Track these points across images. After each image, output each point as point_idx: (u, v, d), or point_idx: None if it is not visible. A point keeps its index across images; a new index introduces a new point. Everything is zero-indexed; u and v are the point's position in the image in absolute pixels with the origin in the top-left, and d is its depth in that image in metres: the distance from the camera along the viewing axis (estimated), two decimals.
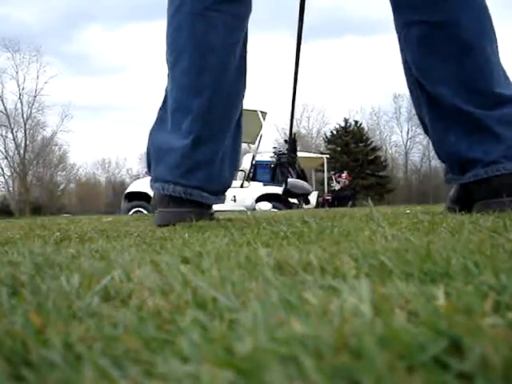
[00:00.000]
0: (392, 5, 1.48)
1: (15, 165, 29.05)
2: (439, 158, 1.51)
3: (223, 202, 1.58)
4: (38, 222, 2.19)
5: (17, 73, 29.25)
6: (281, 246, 0.69)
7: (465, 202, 1.44)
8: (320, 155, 13.98)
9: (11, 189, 29.28)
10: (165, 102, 1.53)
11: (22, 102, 29.05)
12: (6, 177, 29.30)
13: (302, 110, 33.75)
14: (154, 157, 1.53)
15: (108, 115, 50.74)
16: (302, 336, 0.24)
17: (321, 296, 0.32)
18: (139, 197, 7.05)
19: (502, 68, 1.42)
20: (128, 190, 7.44)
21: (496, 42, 1.42)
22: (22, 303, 0.36)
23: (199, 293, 0.36)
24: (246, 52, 1.53)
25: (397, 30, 1.51)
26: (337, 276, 0.42)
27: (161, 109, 1.54)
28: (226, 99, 1.47)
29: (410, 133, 33.77)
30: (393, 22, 1.51)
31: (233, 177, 1.59)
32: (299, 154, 9.39)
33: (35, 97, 29.10)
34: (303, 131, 33.68)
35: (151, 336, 0.27)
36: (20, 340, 0.26)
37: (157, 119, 1.54)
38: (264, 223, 1.14)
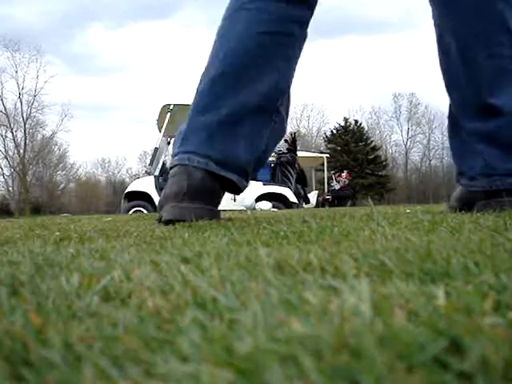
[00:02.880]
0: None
1: (15, 164, 29.06)
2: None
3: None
4: (38, 221, 2.19)
5: (16, 72, 29.28)
6: (281, 245, 0.69)
7: (466, 202, 1.43)
8: (320, 155, 13.97)
9: (11, 188, 29.30)
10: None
11: (21, 102, 29.08)
12: (6, 176, 29.33)
13: (302, 110, 33.78)
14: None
15: (108, 115, 50.75)
16: (302, 336, 0.24)
17: (321, 296, 0.32)
18: (139, 196, 7.05)
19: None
20: (128, 190, 7.44)
21: None
22: (21, 303, 0.36)
23: (199, 292, 0.36)
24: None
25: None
26: (337, 276, 0.42)
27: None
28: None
29: (410, 132, 33.82)
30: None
31: (250, 164, 1.47)
32: (299, 153, 9.39)
33: (35, 96, 29.13)
34: (303, 130, 33.68)
35: (151, 336, 0.27)
36: (20, 340, 0.26)
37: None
38: (264, 223, 1.14)
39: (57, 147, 31.70)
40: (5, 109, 28.59)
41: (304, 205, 8.68)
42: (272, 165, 8.56)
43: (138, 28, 48.22)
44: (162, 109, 7.62)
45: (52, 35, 45.07)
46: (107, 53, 48.45)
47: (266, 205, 6.98)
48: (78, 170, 35.32)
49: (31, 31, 41.77)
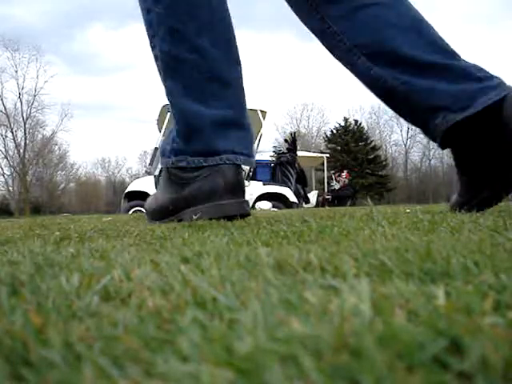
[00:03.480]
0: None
1: (15, 164, 29.06)
2: (423, 119, 1.44)
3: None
4: (38, 221, 2.19)
5: (16, 72, 29.28)
6: (281, 245, 0.69)
7: (473, 184, 1.36)
8: (320, 154, 13.98)
9: (11, 188, 29.29)
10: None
11: (21, 102, 29.09)
12: (6, 176, 29.32)
13: (302, 110, 33.80)
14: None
15: (108, 114, 50.72)
16: (302, 335, 0.24)
17: (321, 295, 0.32)
18: (139, 196, 7.06)
19: None
20: (128, 190, 7.44)
21: None
22: (21, 303, 0.36)
23: (199, 292, 0.36)
24: None
25: (339, 16, 1.52)
26: (337, 275, 0.42)
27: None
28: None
29: (409, 132, 33.79)
30: (329, 17, 1.52)
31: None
32: (299, 153, 9.39)
33: (35, 96, 29.14)
34: (303, 130, 33.70)
35: (151, 335, 0.27)
36: (19, 340, 0.26)
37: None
38: (264, 222, 1.14)
39: (57, 147, 31.74)
40: (5, 109, 28.61)
41: (304, 204, 8.69)
42: (272, 165, 8.57)
43: (139, 28, 48.19)
44: (162, 109, 7.63)
45: (52, 35, 45.08)
46: (107, 52, 48.46)
47: (265, 204, 6.98)
48: (78, 169, 35.37)
49: (31, 31, 41.79)
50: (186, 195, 1.44)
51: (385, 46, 1.47)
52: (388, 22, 1.47)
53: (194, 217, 1.35)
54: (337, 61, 1.58)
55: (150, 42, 1.47)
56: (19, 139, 28.78)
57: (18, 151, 28.69)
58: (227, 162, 1.42)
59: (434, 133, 1.43)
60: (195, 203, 1.41)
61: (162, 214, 1.49)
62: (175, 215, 1.46)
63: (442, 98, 1.39)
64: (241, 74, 1.48)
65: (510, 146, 1.26)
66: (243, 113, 1.48)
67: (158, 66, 1.48)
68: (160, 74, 1.48)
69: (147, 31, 1.47)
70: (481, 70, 1.39)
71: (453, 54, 1.42)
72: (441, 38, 1.47)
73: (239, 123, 1.47)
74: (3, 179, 29.17)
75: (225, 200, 1.39)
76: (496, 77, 1.38)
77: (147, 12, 1.45)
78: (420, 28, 1.46)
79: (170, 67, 1.44)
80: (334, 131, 30.21)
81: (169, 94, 1.47)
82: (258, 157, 8.20)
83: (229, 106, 1.44)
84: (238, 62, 1.47)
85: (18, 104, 29.09)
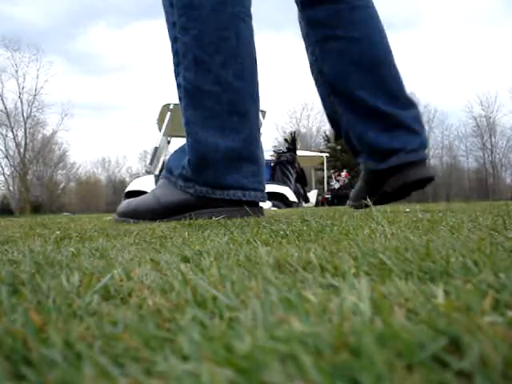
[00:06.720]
0: (309, 22, 1.70)
1: (15, 164, 29.05)
2: (354, 149, 1.75)
3: None
4: (38, 220, 2.19)
5: (17, 72, 29.26)
6: (280, 244, 0.69)
7: (372, 188, 1.72)
8: (320, 154, 13.97)
9: (11, 188, 29.28)
10: (199, 95, 1.46)
11: (21, 101, 29.07)
12: (7, 176, 29.31)
13: (302, 109, 33.76)
14: (215, 160, 1.48)
15: (108, 114, 50.72)
16: (302, 334, 0.24)
17: (320, 294, 0.32)
18: (139, 195, 7.05)
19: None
20: (128, 189, 7.43)
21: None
22: (22, 302, 0.36)
23: (199, 291, 0.36)
24: None
25: (311, 42, 1.72)
26: (336, 274, 0.42)
27: (200, 103, 1.47)
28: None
29: None
30: (308, 36, 1.73)
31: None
32: (299, 152, 9.38)
33: (35, 96, 29.12)
34: (303, 130, 33.67)
35: (151, 334, 0.27)
36: (20, 338, 0.27)
37: (201, 115, 1.47)
38: (263, 222, 1.14)
39: (57, 146, 31.71)
40: (5, 108, 28.60)
41: (304, 204, 8.68)
42: (272, 164, 8.56)
43: (140, 27, 48.22)
44: (162, 108, 7.62)
45: (52, 34, 45.07)
46: (107, 52, 48.45)
47: (265, 204, 6.98)
48: (78, 169, 35.34)
49: (31, 30, 41.79)
50: (201, 200, 1.48)
51: (341, 80, 1.69)
52: (350, 58, 1.65)
53: (214, 218, 1.38)
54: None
55: (175, 70, 1.50)
56: (19, 139, 28.79)
57: (19, 151, 28.69)
58: (233, 198, 1.46)
59: (356, 158, 1.77)
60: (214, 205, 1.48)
61: (166, 213, 1.51)
62: (181, 215, 1.48)
63: (367, 146, 1.69)
64: (258, 109, 1.53)
65: (383, 190, 1.70)
66: (257, 146, 1.52)
67: (179, 93, 1.51)
68: (180, 101, 1.51)
69: (173, 58, 1.50)
70: (417, 122, 1.67)
71: (399, 101, 1.66)
72: (397, 81, 1.68)
73: (252, 157, 1.50)
74: (3, 179, 29.17)
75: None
76: (423, 134, 1.68)
77: (174, 40, 1.48)
78: (377, 70, 1.65)
79: (192, 97, 1.47)
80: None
81: (187, 123, 1.49)
82: None
83: (244, 139, 1.48)
84: (257, 97, 1.52)
85: (19, 103, 29.10)
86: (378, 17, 1.69)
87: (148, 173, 7.42)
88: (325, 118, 1.95)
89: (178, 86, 1.50)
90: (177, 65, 1.48)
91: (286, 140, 8.86)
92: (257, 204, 1.53)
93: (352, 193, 1.90)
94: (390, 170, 1.64)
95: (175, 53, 1.48)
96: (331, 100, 1.74)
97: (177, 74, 1.49)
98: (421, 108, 33.68)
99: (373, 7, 1.67)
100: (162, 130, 7.45)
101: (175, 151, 1.60)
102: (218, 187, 1.46)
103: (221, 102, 1.44)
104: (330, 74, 1.70)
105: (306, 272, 0.44)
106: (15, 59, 31.11)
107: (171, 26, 1.48)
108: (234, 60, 1.44)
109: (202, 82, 1.44)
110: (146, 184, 7.09)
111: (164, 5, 1.50)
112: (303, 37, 1.77)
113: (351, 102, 1.68)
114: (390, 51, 1.70)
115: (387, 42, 1.69)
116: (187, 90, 1.46)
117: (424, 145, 1.66)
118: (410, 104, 1.69)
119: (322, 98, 1.80)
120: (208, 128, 1.45)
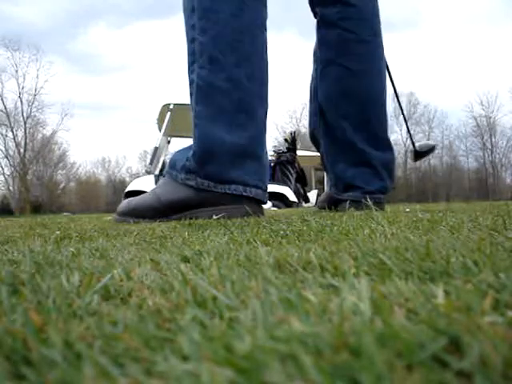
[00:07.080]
0: (319, 40, 1.79)
1: (15, 164, 29.04)
2: (327, 171, 1.94)
3: None
4: (38, 220, 2.19)
5: (17, 71, 29.24)
6: (280, 244, 0.69)
7: (330, 204, 1.89)
8: (320, 154, 13.94)
9: (11, 188, 29.27)
10: (208, 92, 1.49)
11: (21, 101, 29.06)
12: (6, 176, 29.30)
13: (302, 109, 33.75)
14: (222, 156, 1.50)
15: (108, 114, 50.72)
16: (302, 334, 0.24)
17: (320, 294, 0.33)
18: (139, 195, 7.04)
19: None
20: (128, 189, 7.43)
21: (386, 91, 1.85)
22: (22, 302, 0.36)
23: (199, 291, 0.36)
24: None
25: (317, 59, 1.82)
26: (336, 274, 0.42)
27: (209, 99, 1.49)
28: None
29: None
30: (315, 53, 1.84)
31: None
32: (299, 152, 9.38)
33: (35, 96, 29.11)
34: (303, 130, 33.64)
35: (151, 334, 0.27)
36: (20, 338, 0.27)
37: (209, 112, 1.49)
38: (263, 222, 1.14)
39: (57, 146, 31.69)
40: (5, 108, 28.58)
41: (304, 204, 8.67)
42: (272, 164, 8.55)
43: (140, 27, 48.21)
44: (162, 108, 7.62)
45: (52, 34, 45.06)
46: (107, 52, 48.46)
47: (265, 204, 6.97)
48: (78, 169, 35.31)
49: (31, 30, 41.80)
50: (202, 196, 1.48)
51: (330, 105, 1.78)
52: (343, 88, 1.75)
53: (215, 217, 1.38)
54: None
55: (189, 68, 1.53)
56: (19, 139, 28.78)
57: (19, 151, 28.69)
58: (234, 192, 1.45)
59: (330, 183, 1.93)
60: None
61: (167, 211, 1.51)
62: (181, 213, 1.48)
63: (334, 174, 1.87)
64: (266, 112, 1.56)
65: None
66: (262, 147, 1.55)
67: (191, 89, 1.54)
68: (191, 97, 1.54)
69: (188, 57, 1.54)
70: (386, 167, 1.80)
71: (377, 142, 1.77)
72: (381, 122, 1.78)
73: (256, 156, 1.52)
74: (3, 179, 29.16)
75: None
76: (387, 180, 1.82)
77: (192, 41, 1.52)
78: (365, 106, 1.75)
79: (204, 92, 1.50)
80: None
81: (197, 116, 1.51)
82: None
83: (250, 137, 1.50)
84: (266, 101, 1.55)
85: (19, 103, 29.08)
86: (382, 57, 1.76)
87: (148, 173, 7.42)
88: None
89: (191, 82, 1.53)
90: (191, 63, 1.52)
91: (285, 140, 8.86)
92: (257, 202, 1.53)
93: (322, 196, 2.11)
94: (343, 200, 1.82)
95: (191, 53, 1.52)
96: (317, 119, 1.85)
97: (190, 72, 1.53)
98: (421, 108, 33.76)
99: (380, 47, 1.75)
100: (162, 130, 7.45)
101: (181, 149, 1.61)
102: (219, 181, 1.47)
103: (231, 98, 1.47)
104: (322, 95, 1.80)
105: (306, 272, 0.44)
106: (15, 59, 31.06)
107: (190, 28, 1.52)
108: (246, 62, 1.48)
109: (215, 79, 1.48)
110: (146, 184, 7.09)
111: (186, 8, 1.54)
112: (313, 50, 1.85)
113: (333, 128, 1.79)
114: (384, 92, 1.79)
115: (383, 83, 1.79)
116: (199, 86, 1.49)
117: (384, 190, 1.82)
118: (386, 147, 1.81)
119: (309, 114, 1.92)
120: (216, 123, 1.48)
